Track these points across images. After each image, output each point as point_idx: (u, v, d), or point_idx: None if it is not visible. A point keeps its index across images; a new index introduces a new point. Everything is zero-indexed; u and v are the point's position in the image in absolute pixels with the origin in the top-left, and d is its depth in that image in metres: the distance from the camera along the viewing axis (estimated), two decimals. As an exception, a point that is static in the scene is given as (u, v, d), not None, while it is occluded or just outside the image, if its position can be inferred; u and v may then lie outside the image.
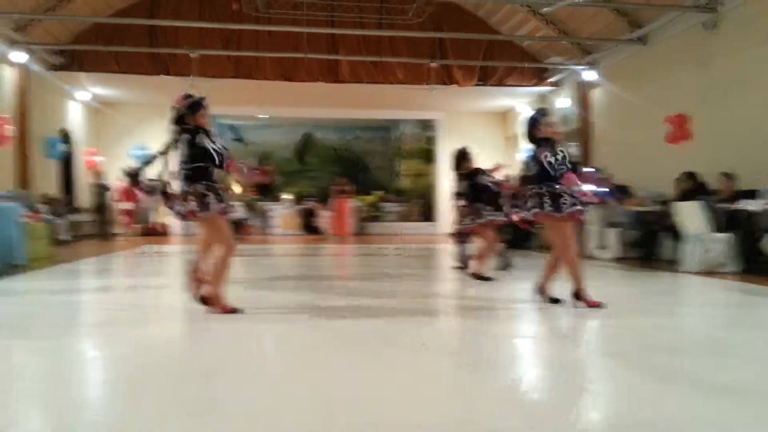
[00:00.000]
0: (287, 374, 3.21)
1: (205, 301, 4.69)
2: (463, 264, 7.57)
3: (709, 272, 7.57)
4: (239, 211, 16.21)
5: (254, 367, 3.33)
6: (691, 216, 7.98)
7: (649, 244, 9.53)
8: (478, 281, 6.77)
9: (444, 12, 14.25)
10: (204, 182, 4.52)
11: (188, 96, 4.83)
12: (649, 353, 3.62)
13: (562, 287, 5.16)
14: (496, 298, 5.75)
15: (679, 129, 10.58)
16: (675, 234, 8.62)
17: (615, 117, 12.94)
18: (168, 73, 13.86)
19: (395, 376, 3.13)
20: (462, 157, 7.14)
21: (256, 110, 18.87)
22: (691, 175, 9.06)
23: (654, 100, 11.28)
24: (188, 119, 4.61)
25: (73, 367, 3.42)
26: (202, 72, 13.51)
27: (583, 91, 14.03)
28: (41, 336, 4.09)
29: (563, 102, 15.11)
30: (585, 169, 12.47)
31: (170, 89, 14.80)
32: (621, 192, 10.72)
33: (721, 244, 7.76)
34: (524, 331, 4.58)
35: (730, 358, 3.53)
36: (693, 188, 8.86)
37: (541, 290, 5.27)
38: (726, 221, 7.98)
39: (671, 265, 8.57)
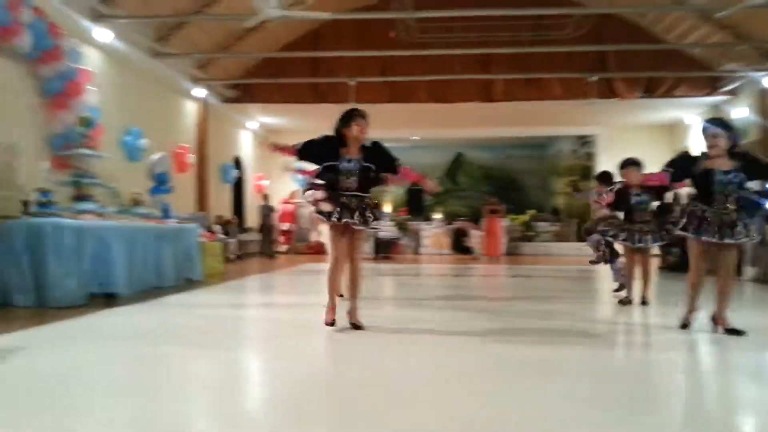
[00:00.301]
0: (442, 399, 3.16)
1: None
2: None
3: None
4: (391, 230, 16.60)
5: (408, 386, 3.32)
6: None
7: None
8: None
9: (605, 24, 13.64)
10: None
11: None
12: None
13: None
14: (663, 326, 5.28)
15: None
16: None
17: (805, 126, 11.51)
18: (327, 101, 14.62)
19: (557, 405, 2.96)
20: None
21: (409, 132, 19.26)
22: None
23: None
24: None
25: (242, 378, 3.64)
26: (359, 98, 14.07)
27: (764, 100, 12.67)
28: (216, 347, 4.41)
29: (741, 112, 13.74)
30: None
31: (329, 115, 15.67)
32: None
33: None
34: (699, 364, 4.14)
35: None
36: None
37: (715, 320, 4.77)
38: None
39: None
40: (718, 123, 4.77)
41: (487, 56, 14.11)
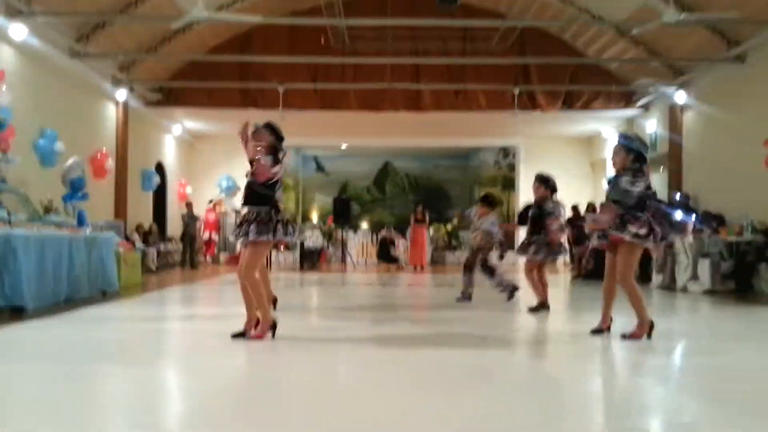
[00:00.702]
0: (370, 409, 3.15)
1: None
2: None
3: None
4: (315, 239, 16.52)
5: (336, 400, 3.29)
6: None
7: (745, 276, 8.94)
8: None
9: (529, 37, 14.11)
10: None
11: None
12: (755, 398, 3.31)
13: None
14: (581, 332, 5.48)
15: (782, 152, 9.87)
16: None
17: (708, 140, 12.26)
18: (257, 107, 14.41)
19: (486, 412, 3.01)
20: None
21: (338, 140, 19.28)
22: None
23: (753, 122, 10.60)
24: None
25: (158, 395, 3.51)
26: (289, 104, 13.97)
27: (673, 114, 13.42)
28: (132, 363, 4.25)
29: (652, 125, 14.51)
30: (677, 196, 11.90)
31: (258, 121, 15.47)
32: (714, 220, 10.12)
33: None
34: (610, 368, 4.31)
35: None
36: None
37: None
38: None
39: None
40: (621, 139, 5.03)
41: (417, 66, 14.32)
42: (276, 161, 4.69)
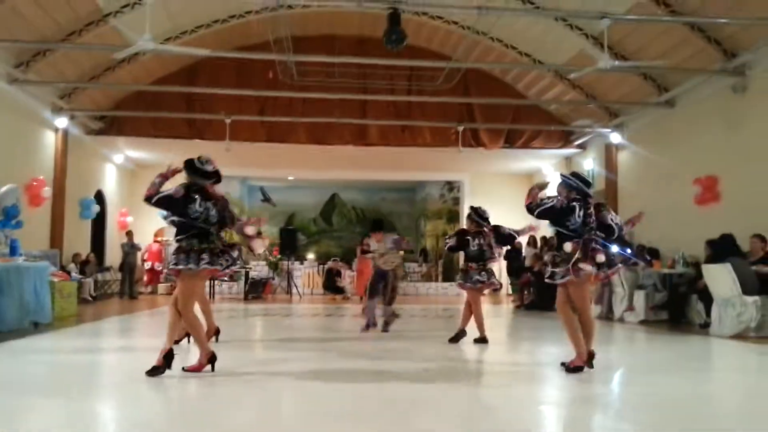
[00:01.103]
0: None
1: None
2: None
3: (741, 336, 7.31)
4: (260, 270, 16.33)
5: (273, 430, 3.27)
6: (721, 278, 7.77)
7: (677, 306, 9.33)
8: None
9: (472, 77, 14.56)
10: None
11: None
12: (688, 423, 3.46)
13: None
14: (521, 362, 5.61)
15: (709, 191, 10.44)
16: (705, 297, 8.42)
17: (642, 178, 12.85)
18: (203, 138, 14.28)
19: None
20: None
21: (285, 172, 19.26)
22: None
23: (682, 162, 11.20)
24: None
25: (91, 430, 3.40)
26: (236, 136, 13.89)
27: (609, 153, 14.03)
28: (63, 396, 4.10)
29: (589, 164, 15.10)
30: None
31: (203, 152, 15.31)
32: (648, 253, 10.56)
33: (753, 307, 7.51)
34: (550, 397, 4.42)
35: None
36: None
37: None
38: (759, 284, 7.75)
39: (702, 328, 8.34)
40: (562, 178, 5.25)
41: (364, 102, 14.53)
42: (186, 193, 4.63)
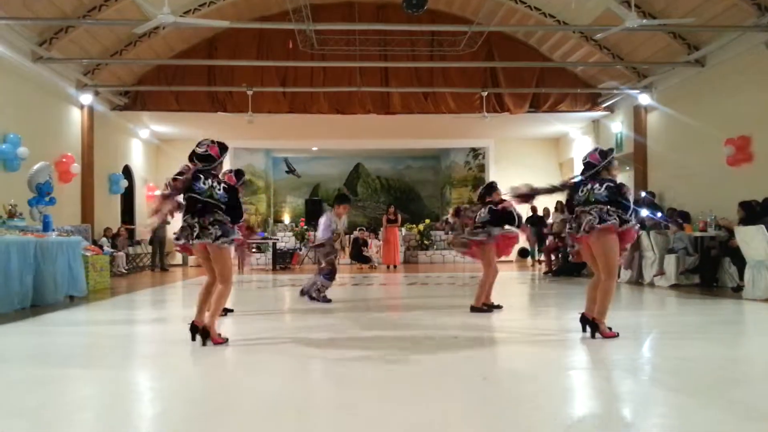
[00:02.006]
0: (345, 408, 3.18)
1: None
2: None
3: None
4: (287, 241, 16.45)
5: (312, 401, 3.31)
6: (755, 240, 7.61)
7: (709, 270, 9.19)
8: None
9: (495, 41, 14.29)
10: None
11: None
12: (721, 388, 3.43)
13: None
14: (549, 328, 5.60)
15: (741, 151, 10.19)
16: (738, 260, 8.28)
17: (672, 141, 12.57)
18: (225, 110, 14.33)
19: (455, 410, 3.06)
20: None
21: (309, 143, 19.27)
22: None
23: (713, 123, 10.92)
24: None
25: (128, 398, 3.49)
26: (258, 108, 13.92)
27: (638, 115, 13.73)
28: (101, 367, 4.21)
29: (617, 126, 14.81)
30: (642, 194, 12.17)
31: (227, 125, 15.46)
32: (679, 216, 10.39)
33: (788, 270, 7.36)
34: (580, 362, 4.41)
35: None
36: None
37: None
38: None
39: (734, 292, 8.22)
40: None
41: (386, 69, 14.39)
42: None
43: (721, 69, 10.98)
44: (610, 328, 4.88)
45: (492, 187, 6.92)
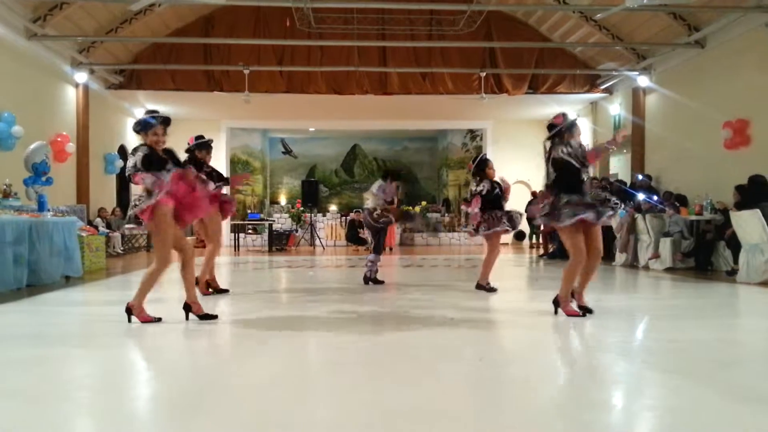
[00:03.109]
0: (341, 388, 3.19)
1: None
2: None
3: (770, 283, 7.22)
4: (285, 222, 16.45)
5: (308, 381, 3.32)
6: (750, 224, 7.62)
7: (704, 254, 9.21)
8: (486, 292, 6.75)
9: (494, 21, 14.17)
10: None
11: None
12: (716, 369, 3.45)
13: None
14: (544, 310, 5.60)
15: (739, 134, 10.16)
16: (733, 243, 8.29)
17: (670, 123, 12.53)
18: (222, 90, 14.22)
19: (450, 390, 3.07)
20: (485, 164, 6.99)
21: (306, 123, 19.18)
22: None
23: (712, 105, 10.87)
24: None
25: (124, 377, 3.49)
26: (255, 87, 13.82)
27: (636, 97, 13.67)
28: (96, 346, 4.21)
29: (615, 109, 14.76)
30: (639, 177, 12.15)
31: (223, 104, 15.36)
32: (676, 200, 10.39)
33: (784, 253, 7.37)
34: (573, 344, 4.43)
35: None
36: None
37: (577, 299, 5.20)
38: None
39: (729, 275, 8.25)
40: None
41: (384, 49, 14.28)
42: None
43: (721, 50, 10.92)
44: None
45: (484, 161, 6.93)
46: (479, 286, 6.85)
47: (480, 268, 7.03)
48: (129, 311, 4.81)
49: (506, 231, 6.75)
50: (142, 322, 4.76)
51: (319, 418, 2.67)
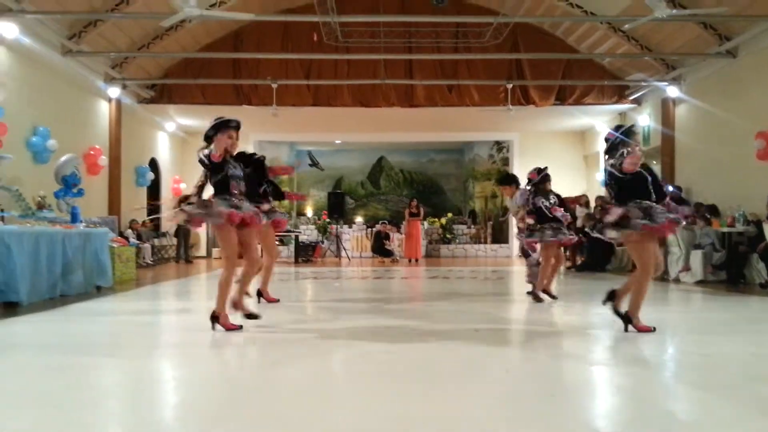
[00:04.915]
0: (364, 402, 3.19)
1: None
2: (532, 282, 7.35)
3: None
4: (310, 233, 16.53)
5: (333, 392, 3.33)
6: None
7: (737, 266, 9.02)
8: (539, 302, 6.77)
9: (521, 33, 14.14)
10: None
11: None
12: (746, 384, 3.36)
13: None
14: (573, 323, 5.55)
15: (773, 145, 9.95)
16: (766, 256, 8.11)
17: (701, 134, 12.33)
18: (250, 103, 14.43)
19: (476, 403, 3.05)
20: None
21: (332, 136, 19.32)
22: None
23: (744, 115, 10.67)
24: None
25: (153, 386, 3.54)
26: (282, 101, 13.99)
27: (666, 108, 13.48)
28: (126, 356, 4.28)
29: (644, 120, 14.57)
30: (669, 188, 11.95)
31: (252, 118, 15.54)
32: (707, 211, 10.20)
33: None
34: (603, 357, 4.36)
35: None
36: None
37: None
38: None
39: (762, 288, 8.06)
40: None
41: (410, 62, 14.35)
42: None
43: (753, 60, 10.73)
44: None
45: (548, 176, 7.00)
46: (533, 295, 6.93)
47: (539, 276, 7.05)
48: (215, 319, 4.87)
49: (569, 241, 7.10)
50: (227, 330, 4.84)
51: (343, 429, 2.67)
